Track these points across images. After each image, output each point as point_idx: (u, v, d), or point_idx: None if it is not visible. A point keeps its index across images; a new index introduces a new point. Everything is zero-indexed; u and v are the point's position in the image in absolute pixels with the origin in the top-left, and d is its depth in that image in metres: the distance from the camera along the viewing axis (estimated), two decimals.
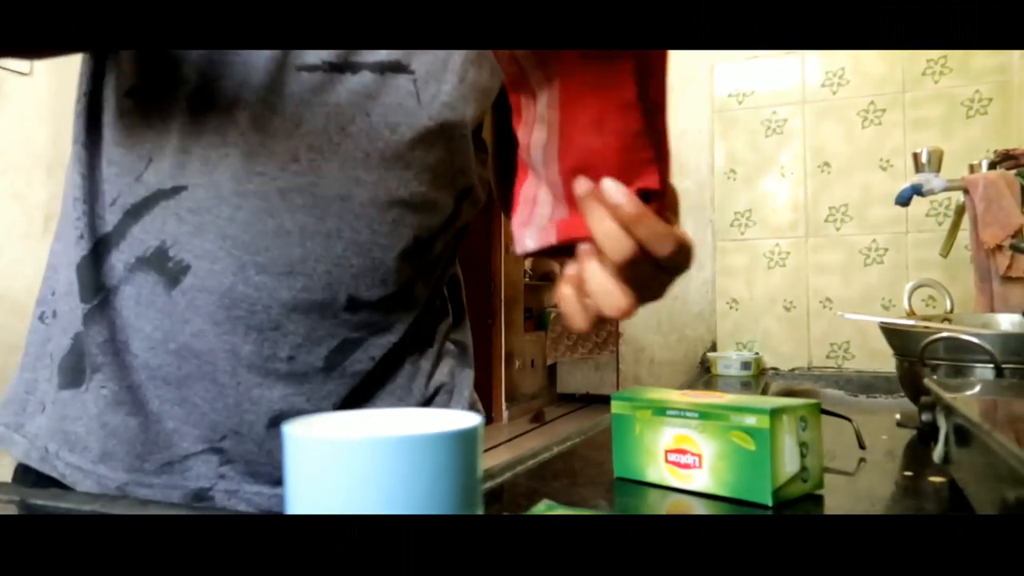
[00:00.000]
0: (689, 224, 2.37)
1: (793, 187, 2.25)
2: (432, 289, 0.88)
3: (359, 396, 0.79)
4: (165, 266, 0.72)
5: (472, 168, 0.86)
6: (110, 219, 0.74)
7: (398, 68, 0.76)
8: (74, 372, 0.76)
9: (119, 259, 0.74)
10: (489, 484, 0.79)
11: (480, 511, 0.45)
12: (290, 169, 0.72)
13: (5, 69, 2.33)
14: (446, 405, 0.88)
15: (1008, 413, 0.71)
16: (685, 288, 2.41)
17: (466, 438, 0.43)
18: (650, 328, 2.46)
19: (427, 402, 0.86)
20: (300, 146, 0.72)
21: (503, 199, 1.06)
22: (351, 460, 0.40)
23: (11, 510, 0.68)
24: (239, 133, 0.71)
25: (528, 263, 8.47)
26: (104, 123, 0.76)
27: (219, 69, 0.71)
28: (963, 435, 0.67)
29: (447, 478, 0.41)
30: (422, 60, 0.78)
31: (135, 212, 0.73)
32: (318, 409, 0.75)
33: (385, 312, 0.79)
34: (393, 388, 0.82)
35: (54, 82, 2.47)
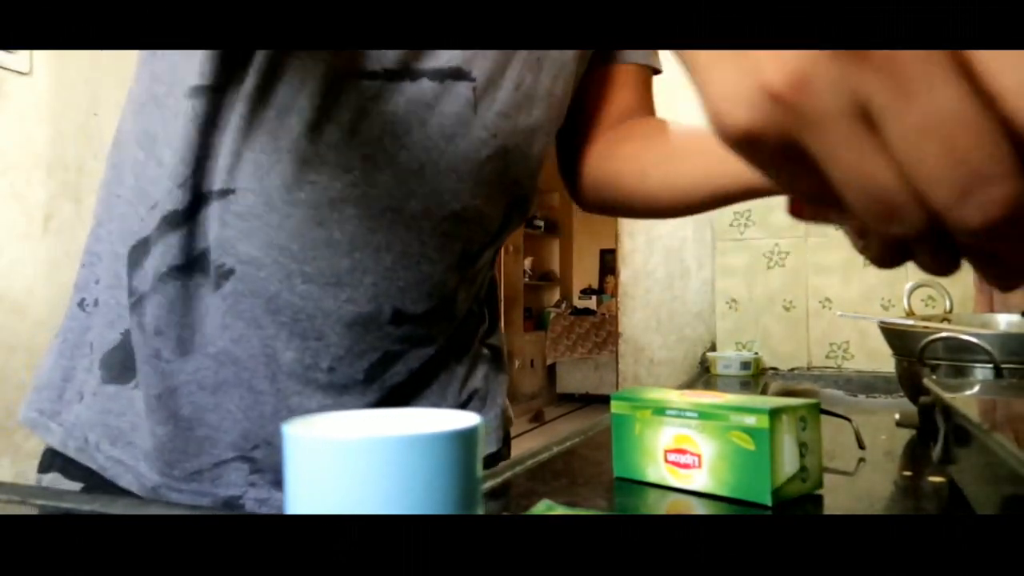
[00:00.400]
0: (688, 224, 2.38)
1: None
2: (473, 297, 0.87)
3: (394, 404, 0.78)
4: (206, 271, 0.71)
5: (527, 178, 0.85)
6: (148, 223, 0.73)
7: (459, 75, 0.74)
8: (121, 368, 0.76)
9: (151, 265, 0.72)
10: (488, 484, 0.79)
11: (480, 511, 0.45)
12: (343, 179, 0.70)
13: (5, 69, 2.33)
14: (479, 411, 0.88)
15: (1007, 413, 0.71)
16: (684, 288, 2.41)
17: (465, 438, 0.43)
18: (649, 328, 2.46)
19: (460, 408, 0.85)
20: (355, 156, 0.70)
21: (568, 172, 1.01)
22: (351, 460, 0.40)
23: (11, 510, 0.68)
24: (292, 139, 0.69)
25: (528, 263, 8.47)
26: (156, 121, 0.73)
27: (278, 72, 0.69)
28: (962, 435, 0.67)
29: (446, 478, 0.41)
30: (482, 66, 0.76)
31: (174, 220, 0.71)
32: None
33: (428, 325, 0.79)
34: (428, 395, 0.82)
35: (54, 82, 2.47)
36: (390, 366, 0.77)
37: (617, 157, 0.91)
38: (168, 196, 0.71)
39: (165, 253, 0.71)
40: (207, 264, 0.71)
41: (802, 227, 2.23)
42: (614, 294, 7.20)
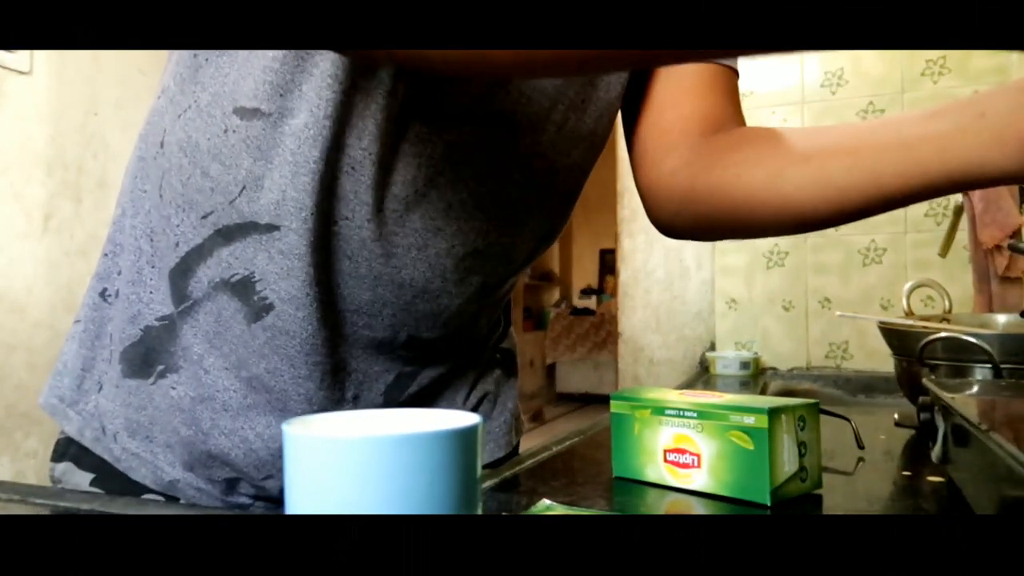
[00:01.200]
0: None
1: None
2: (493, 315, 0.87)
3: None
4: (250, 298, 0.71)
5: (560, 216, 0.84)
6: (201, 231, 0.71)
7: (502, 119, 0.73)
8: (142, 364, 0.75)
9: (205, 274, 0.72)
10: (488, 483, 0.79)
11: (479, 510, 0.45)
12: (376, 219, 0.70)
13: (5, 68, 2.33)
14: (488, 414, 0.88)
15: (1006, 413, 0.71)
16: (684, 288, 2.41)
17: (465, 437, 0.43)
18: (649, 328, 2.46)
19: (471, 411, 0.85)
20: (388, 196, 0.70)
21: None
22: (350, 458, 0.40)
23: (10, 509, 0.68)
24: (335, 177, 0.68)
25: None
26: (199, 128, 0.71)
27: (329, 111, 0.67)
28: (961, 435, 0.67)
29: (446, 477, 0.42)
30: (526, 110, 0.74)
31: (227, 234, 0.70)
32: None
33: (442, 347, 0.79)
34: (439, 402, 0.83)
35: (53, 82, 2.47)
36: (405, 387, 0.78)
37: (728, 164, 0.77)
38: (223, 211, 0.70)
39: (219, 264, 0.71)
40: (252, 292, 0.70)
41: None
42: (614, 294, 7.20)
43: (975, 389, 0.83)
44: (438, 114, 0.70)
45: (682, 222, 0.83)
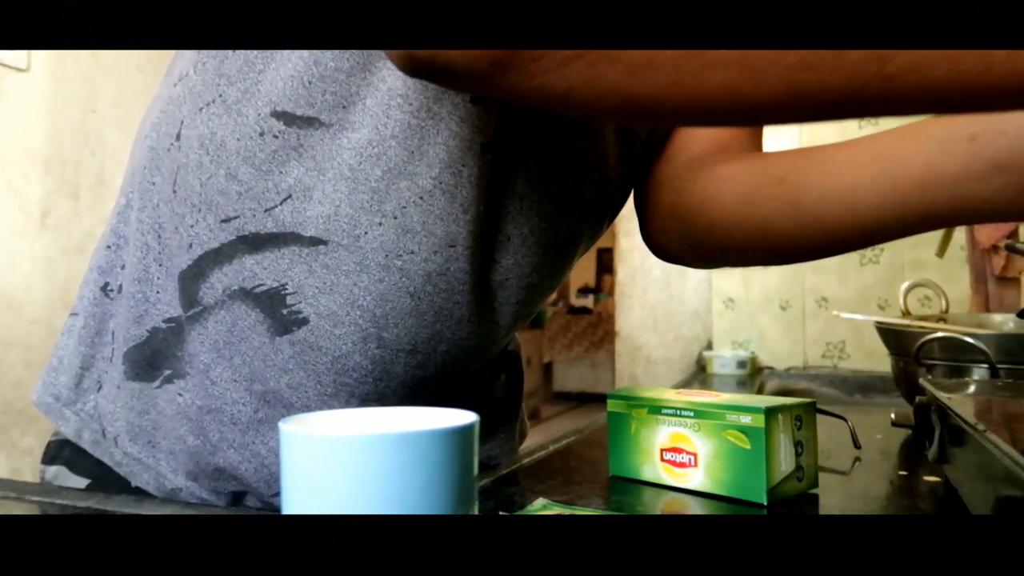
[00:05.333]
0: None
1: None
2: None
3: None
4: (277, 311, 0.67)
5: (600, 235, 0.82)
6: (220, 236, 0.68)
7: (569, 151, 0.71)
8: (147, 366, 0.72)
9: (221, 281, 0.68)
10: (484, 481, 0.79)
11: (475, 509, 0.45)
12: (445, 253, 0.67)
13: (3, 66, 2.33)
14: (494, 421, 0.87)
15: (1003, 413, 0.71)
16: (681, 287, 2.41)
17: (462, 436, 0.43)
18: (646, 327, 2.46)
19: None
20: (461, 232, 0.67)
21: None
22: (347, 457, 0.40)
23: (7, 507, 0.68)
24: (400, 206, 0.65)
25: None
26: (226, 126, 0.67)
27: (393, 130, 0.64)
28: (958, 435, 0.67)
29: (442, 475, 0.42)
30: (592, 140, 0.72)
31: (255, 243, 0.67)
32: None
33: (477, 371, 0.78)
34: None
35: (52, 79, 2.47)
36: (429, 404, 0.76)
37: (709, 181, 0.73)
38: (253, 218, 0.67)
39: (240, 273, 0.68)
40: (282, 304, 0.67)
41: None
42: (611, 293, 7.19)
43: (972, 389, 0.83)
44: (515, 147, 0.68)
45: (667, 240, 0.80)
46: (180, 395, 0.71)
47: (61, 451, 0.77)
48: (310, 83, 0.65)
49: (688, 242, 0.77)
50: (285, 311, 0.67)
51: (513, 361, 0.92)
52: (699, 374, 2.13)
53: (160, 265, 0.71)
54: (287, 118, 0.65)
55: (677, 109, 0.41)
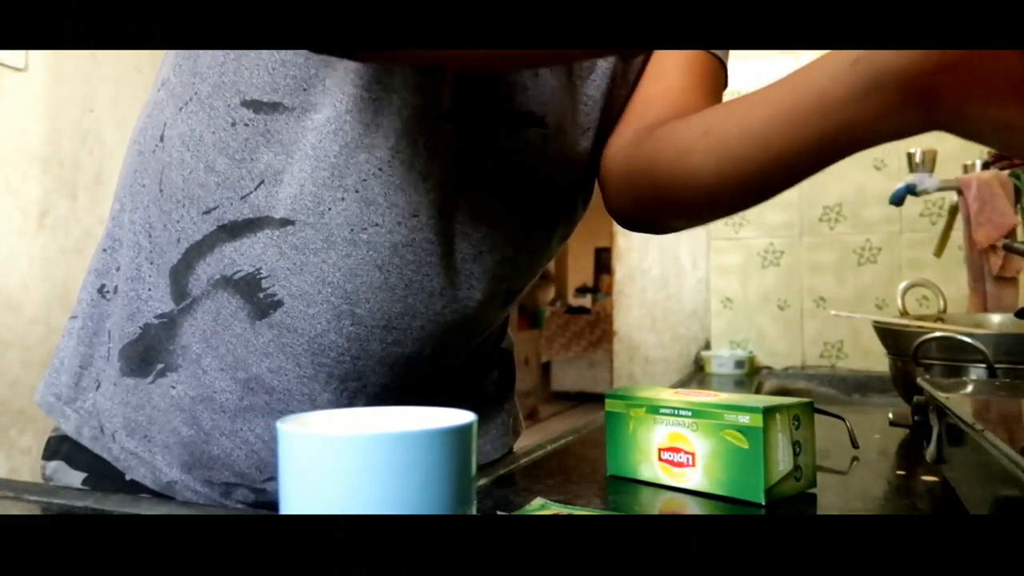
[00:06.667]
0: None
1: None
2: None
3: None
4: (254, 295, 0.69)
5: (579, 214, 0.83)
6: (202, 227, 0.70)
7: (531, 120, 0.72)
8: (141, 362, 0.74)
9: (205, 271, 0.70)
10: (482, 481, 0.79)
11: (473, 509, 0.45)
12: (409, 223, 0.68)
13: (1, 65, 2.33)
14: (486, 417, 0.87)
15: (1001, 413, 0.71)
16: (679, 287, 2.41)
17: (460, 435, 0.43)
18: (644, 326, 2.46)
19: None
20: (423, 200, 0.68)
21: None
22: (345, 456, 0.40)
23: (5, 506, 0.68)
24: (361, 179, 0.67)
25: None
26: (203, 122, 0.70)
27: (349, 106, 0.66)
28: (956, 435, 0.67)
29: (440, 475, 0.42)
30: (556, 111, 0.74)
31: (234, 230, 0.69)
32: None
33: (460, 355, 0.79)
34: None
35: (49, 78, 2.46)
36: (416, 395, 0.76)
37: (651, 140, 0.74)
38: (230, 206, 0.69)
39: (220, 261, 0.70)
40: (258, 288, 0.69)
41: (796, 226, 2.24)
42: (609, 292, 7.19)
43: (970, 389, 0.83)
44: (468, 114, 0.69)
45: (623, 206, 0.81)
46: (173, 387, 0.73)
47: (60, 447, 0.78)
48: (274, 70, 0.67)
49: (638, 205, 0.78)
50: (261, 295, 0.69)
51: (505, 358, 0.93)
52: (697, 374, 2.13)
53: (151, 263, 0.73)
54: (256, 106, 0.67)
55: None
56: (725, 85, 0.85)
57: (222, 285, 0.70)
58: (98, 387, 0.76)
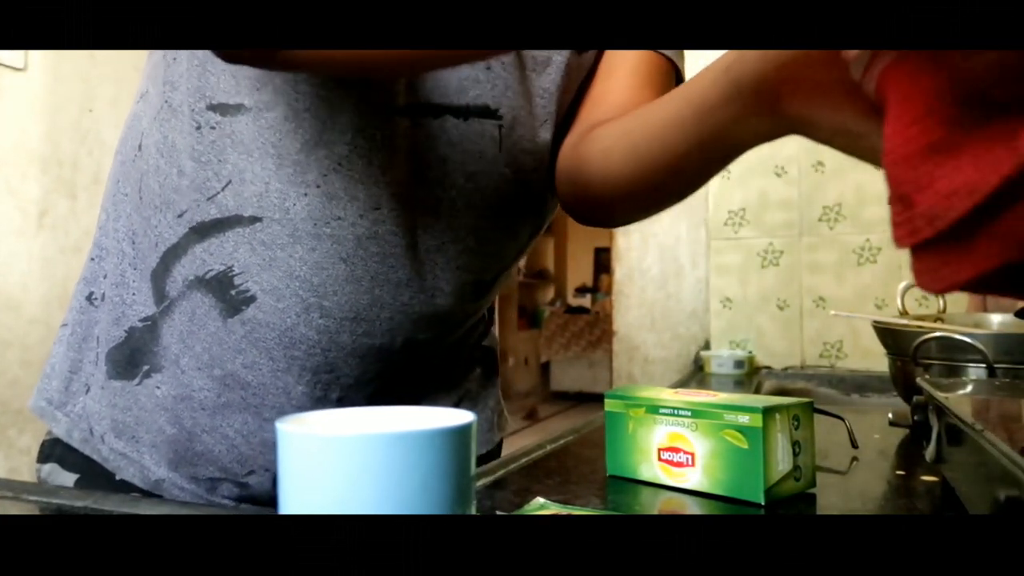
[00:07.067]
0: (683, 223, 2.38)
1: (787, 186, 2.26)
2: (481, 315, 0.88)
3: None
4: (227, 293, 0.71)
5: (549, 207, 0.84)
6: (177, 230, 0.72)
7: (485, 113, 0.74)
8: (127, 365, 0.76)
9: (180, 273, 0.72)
10: (482, 481, 0.79)
11: (473, 509, 0.45)
12: (370, 216, 0.70)
13: (0, 64, 2.33)
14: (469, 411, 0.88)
15: (1000, 413, 0.71)
16: (679, 286, 2.41)
17: (459, 435, 0.43)
18: (643, 326, 2.46)
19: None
20: (383, 193, 0.70)
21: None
22: (345, 456, 0.40)
23: (4, 507, 0.68)
24: (322, 174, 0.69)
25: (522, 261, 8.47)
26: (175, 128, 0.72)
27: (305, 104, 0.68)
28: (955, 434, 0.67)
29: (440, 475, 0.42)
30: (511, 104, 0.75)
31: (202, 231, 0.71)
32: None
33: (435, 347, 0.79)
34: (422, 404, 0.83)
35: (49, 78, 2.46)
36: (393, 388, 0.78)
37: (587, 141, 0.77)
38: (198, 208, 0.71)
39: (193, 262, 0.72)
40: (231, 286, 0.71)
41: (796, 226, 2.24)
42: (608, 292, 7.19)
43: (969, 389, 0.83)
44: (423, 109, 0.71)
45: (571, 202, 0.82)
46: (158, 388, 0.75)
47: (53, 449, 0.80)
48: (236, 71, 0.69)
49: (579, 200, 0.80)
50: (234, 292, 0.71)
51: (489, 356, 0.94)
52: (696, 374, 2.13)
53: (135, 269, 0.75)
54: (221, 109, 0.69)
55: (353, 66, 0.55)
56: (678, 84, 0.86)
57: (195, 286, 0.72)
58: (87, 391, 0.78)
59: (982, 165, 0.32)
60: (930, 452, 0.74)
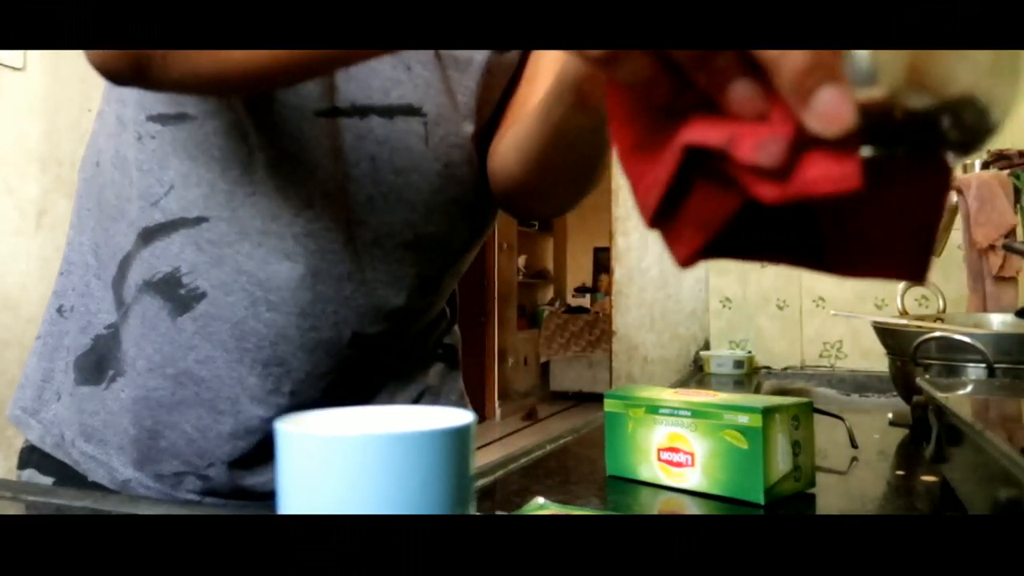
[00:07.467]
0: None
1: None
2: (437, 310, 0.89)
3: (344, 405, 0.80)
4: (175, 292, 0.74)
5: (486, 201, 0.85)
6: (130, 238, 0.76)
7: (409, 111, 0.76)
8: (94, 371, 0.79)
9: (133, 279, 0.76)
10: (482, 481, 0.79)
11: (473, 509, 0.45)
12: (305, 214, 0.73)
13: None
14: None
15: (1000, 413, 0.71)
16: (678, 286, 2.41)
17: (459, 436, 0.43)
18: (643, 326, 2.46)
19: (412, 403, 0.87)
20: (315, 192, 0.73)
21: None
22: (345, 457, 0.40)
23: (3, 507, 0.68)
24: (262, 175, 0.72)
25: (522, 261, 8.47)
26: (125, 142, 0.76)
27: (239, 111, 0.71)
28: (955, 435, 0.67)
29: (440, 475, 0.41)
30: (434, 102, 0.78)
31: (147, 236, 0.74)
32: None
33: (386, 342, 0.81)
34: (379, 396, 0.84)
35: (47, 77, 2.46)
36: (347, 383, 0.80)
37: (498, 139, 0.82)
38: (142, 214, 0.75)
39: (141, 266, 0.75)
40: (179, 285, 0.74)
41: None
42: (608, 292, 7.19)
43: (969, 389, 0.83)
44: (348, 109, 0.74)
45: (498, 199, 0.86)
46: (122, 392, 0.77)
47: (31, 456, 0.83)
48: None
49: (500, 197, 0.85)
50: (183, 291, 0.74)
51: (450, 353, 0.95)
52: (696, 374, 2.13)
53: (99, 279, 0.79)
54: (162, 119, 0.74)
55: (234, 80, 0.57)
56: None
57: (145, 289, 0.75)
58: (59, 399, 0.81)
59: (659, 163, 0.38)
60: (930, 452, 0.74)
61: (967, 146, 0.37)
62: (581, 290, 9.73)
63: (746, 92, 0.35)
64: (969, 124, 0.35)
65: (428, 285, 0.82)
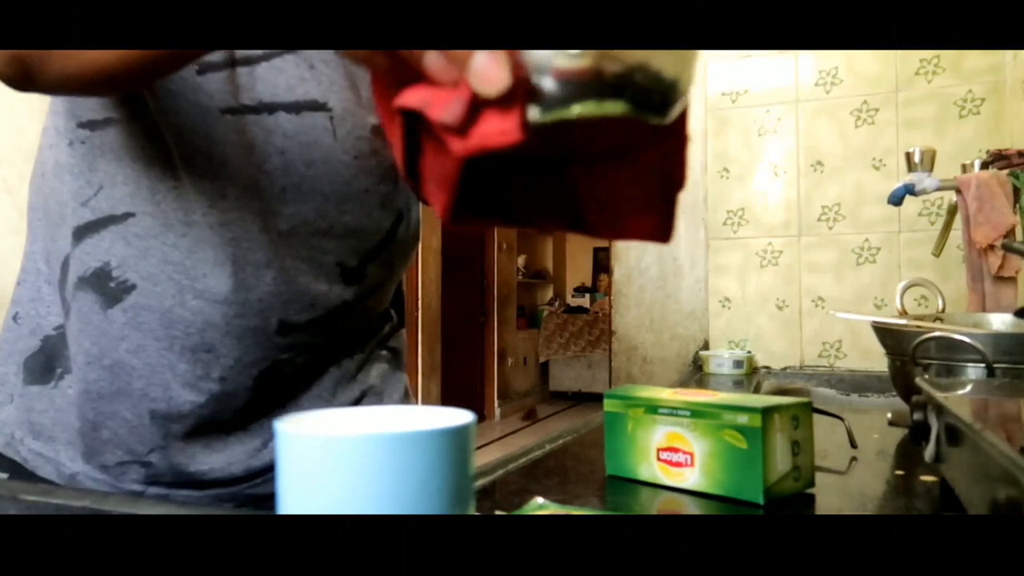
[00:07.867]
0: (682, 222, 2.38)
1: (786, 186, 2.26)
2: (376, 305, 0.91)
3: (283, 401, 0.84)
4: (106, 286, 0.77)
5: (402, 190, 0.88)
6: (68, 240, 0.79)
7: (315, 107, 0.79)
8: (42, 371, 0.82)
9: (71, 278, 0.79)
10: (481, 481, 0.79)
11: (472, 509, 0.45)
12: (219, 205, 0.76)
13: None
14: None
15: (999, 412, 0.71)
16: (677, 286, 2.41)
17: (458, 435, 0.43)
18: (643, 326, 2.46)
19: (354, 404, 0.89)
20: (227, 184, 0.76)
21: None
22: (344, 457, 0.40)
23: (4, 508, 0.68)
24: (182, 170, 0.75)
25: (521, 261, 8.47)
26: (61, 150, 0.79)
27: (154, 111, 0.74)
28: (954, 434, 0.67)
29: (439, 475, 0.41)
30: (339, 97, 0.80)
31: (78, 234, 0.78)
32: (240, 418, 0.81)
33: (315, 332, 0.83)
34: (316, 390, 0.86)
35: None
36: (279, 372, 0.82)
37: None
38: (74, 215, 0.78)
39: (75, 264, 0.78)
40: (109, 279, 0.77)
41: (795, 226, 2.24)
42: (607, 292, 7.19)
43: (968, 388, 0.83)
44: (255, 106, 0.76)
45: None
46: (69, 388, 0.81)
47: None
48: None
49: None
50: (113, 284, 0.77)
51: (395, 355, 0.98)
52: (695, 374, 2.13)
53: (49, 284, 0.83)
54: (91, 125, 0.77)
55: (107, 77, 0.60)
56: None
57: (79, 286, 0.78)
58: (11, 401, 0.84)
59: (393, 126, 0.48)
60: (929, 452, 0.74)
61: (663, 106, 0.43)
62: (580, 290, 9.73)
63: (438, 63, 0.42)
64: (656, 86, 0.42)
65: (350, 273, 0.84)
